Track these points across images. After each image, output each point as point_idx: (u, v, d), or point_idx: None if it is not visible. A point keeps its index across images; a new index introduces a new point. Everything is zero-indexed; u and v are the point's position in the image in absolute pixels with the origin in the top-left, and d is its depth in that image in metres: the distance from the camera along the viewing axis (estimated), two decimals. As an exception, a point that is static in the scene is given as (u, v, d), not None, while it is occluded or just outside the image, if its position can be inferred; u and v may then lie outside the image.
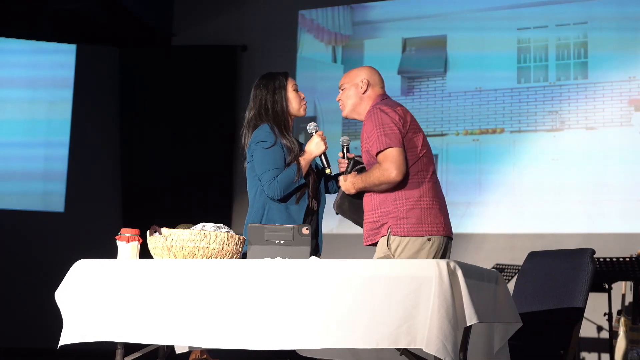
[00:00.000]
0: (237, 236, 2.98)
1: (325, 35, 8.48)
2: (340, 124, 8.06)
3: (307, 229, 2.91)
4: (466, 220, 7.48)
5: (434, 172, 3.45)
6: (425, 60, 8.01)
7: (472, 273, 2.60)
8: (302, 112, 3.79)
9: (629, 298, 6.01)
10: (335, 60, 8.35)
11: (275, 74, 3.88)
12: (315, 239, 3.67)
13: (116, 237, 3.02)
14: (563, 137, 7.37)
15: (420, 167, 3.36)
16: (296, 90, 3.78)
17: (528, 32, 7.65)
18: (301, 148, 3.70)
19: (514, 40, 7.68)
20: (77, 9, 8.43)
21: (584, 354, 6.81)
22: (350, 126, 7.91)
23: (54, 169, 8.67)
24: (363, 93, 3.59)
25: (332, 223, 7.37)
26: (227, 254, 2.94)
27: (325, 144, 3.68)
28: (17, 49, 8.76)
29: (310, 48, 8.51)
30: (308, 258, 2.85)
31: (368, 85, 3.58)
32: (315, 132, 3.67)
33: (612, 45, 7.29)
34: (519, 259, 4.66)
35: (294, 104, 3.78)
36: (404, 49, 8.12)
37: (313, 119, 8.33)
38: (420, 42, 8.08)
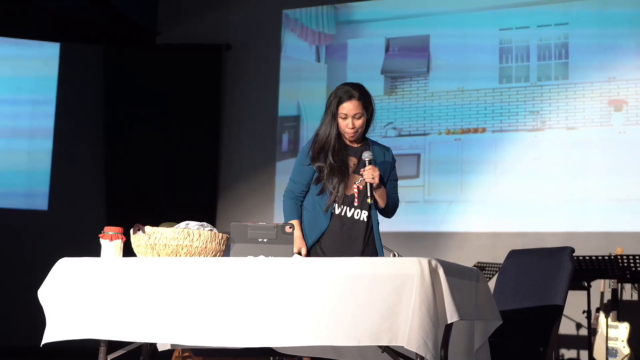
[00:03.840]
0: (221, 234, 2.98)
1: (309, 35, 8.48)
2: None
3: (290, 228, 2.92)
4: (448, 219, 7.51)
5: None
6: (408, 60, 8.03)
7: (453, 271, 2.61)
8: (346, 140, 3.61)
9: (608, 296, 6.05)
10: (319, 60, 8.36)
11: (333, 94, 3.56)
12: (367, 246, 3.57)
13: (100, 235, 3.01)
14: (544, 136, 7.41)
15: None
16: (344, 118, 3.52)
17: (510, 32, 7.69)
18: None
19: (496, 41, 7.71)
20: (61, 6, 8.38)
21: (563, 351, 6.85)
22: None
23: (37, 168, 8.62)
24: None
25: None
26: (211, 252, 2.94)
27: (374, 176, 3.46)
28: (1, 46, 8.70)
29: (294, 47, 8.51)
30: (291, 256, 2.85)
31: None
32: (369, 162, 3.48)
33: (593, 47, 7.34)
34: (500, 258, 4.68)
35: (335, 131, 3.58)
36: (387, 49, 8.13)
37: (296, 118, 8.33)
38: (404, 42, 8.10)
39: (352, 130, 3.52)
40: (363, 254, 3.53)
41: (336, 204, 3.55)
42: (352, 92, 3.51)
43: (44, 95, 8.73)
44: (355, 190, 3.54)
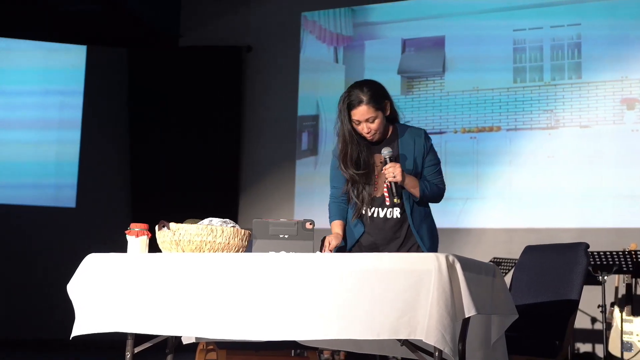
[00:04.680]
0: (243, 231, 2.98)
1: (327, 37, 8.47)
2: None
3: (310, 224, 2.91)
4: (464, 216, 7.48)
5: None
6: (424, 60, 8.00)
7: (470, 266, 2.59)
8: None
9: (622, 290, 6.00)
10: (337, 61, 8.34)
11: (342, 100, 3.33)
12: (405, 243, 3.38)
13: (126, 232, 3.02)
14: (558, 135, 7.36)
15: None
16: (358, 124, 3.31)
17: (523, 33, 7.63)
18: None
19: (510, 41, 7.67)
20: (87, 11, 8.43)
21: (578, 345, 6.80)
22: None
23: (65, 167, 8.68)
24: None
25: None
26: (233, 248, 2.94)
27: (395, 174, 3.26)
28: (29, 49, 8.76)
29: (313, 49, 8.50)
30: (312, 252, 2.84)
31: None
32: (389, 158, 3.27)
33: (605, 46, 7.27)
34: (515, 253, 4.66)
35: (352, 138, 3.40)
36: (403, 50, 8.10)
37: (315, 117, 8.32)
38: (419, 42, 8.07)
39: (369, 135, 3.32)
40: (400, 251, 3.34)
41: (365, 208, 3.38)
42: (360, 97, 3.25)
43: (72, 96, 8.78)
44: (385, 190, 3.34)
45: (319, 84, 8.37)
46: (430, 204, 3.48)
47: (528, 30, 7.63)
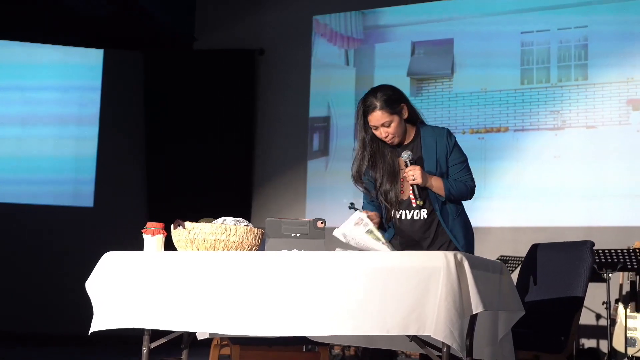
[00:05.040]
0: (256, 229, 2.99)
1: (338, 39, 8.48)
2: (353, 127, 8.04)
3: (321, 223, 2.92)
4: (472, 214, 7.39)
5: None
6: (433, 62, 8.00)
7: (477, 264, 2.60)
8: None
9: (626, 287, 5.98)
10: (347, 63, 8.35)
11: (358, 107, 3.32)
12: (434, 243, 3.32)
13: (142, 231, 3.03)
14: (564, 135, 7.34)
15: None
16: (375, 129, 3.28)
17: (531, 35, 7.62)
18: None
19: (517, 44, 7.65)
20: (104, 15, 8.47)
21: (583, 340, 6.78)
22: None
23: (83, 167, 8.72)
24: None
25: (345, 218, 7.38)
26: (247, 246, 2.95)
27: (415, 176, 3.22)
28: (48, 53, 8.81)
29: (324, 51, 8.51)
30: (323, 250, 2.85)
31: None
32: (409, 161, 3.24)
33: (611, 48, 7.25)
34: (522, 251, 4.65)
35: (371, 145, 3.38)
36: (412, 52, 8.10)
37: (326, 119, 8.33)
38: (428, 45, 8.06)
39: (387, 139, 3.28)
40: (430, 249, 3.27)
41: (394, 211, 3.34)
42: (373, 103, 3.23)
43: (89, 98, 8.82)
44: (410, 193, 3.28)
45: (330, 85, 8.37)
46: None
47: (535, 32, 7.61)
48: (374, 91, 3.29)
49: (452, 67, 7.88)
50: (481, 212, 7.46)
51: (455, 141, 3.38)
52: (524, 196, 7.35)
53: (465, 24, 7.91)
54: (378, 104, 3.24)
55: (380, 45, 8.25)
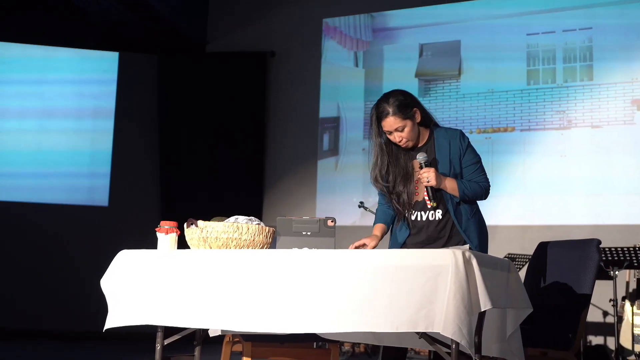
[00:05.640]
0: (267, 228, 2.98)
1: (348, 42, 8.46)
2: (362, 126, 8.04)
3: (331, 221, 2.91)
4: (479, 213, 7.43)
5: None
6: (440, 64, 7.97)
7: (486, 262, 2.58)
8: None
9: (633, 285, 5.94)
10: (357, 65, 8.33)
11: (371, 112, 3.32)
12: (449, 243, 3.31)
13: (156, 229, 3.03)
14: (570, 135, 7.30)
15: None
16: (389, 134, 3.29)
17: (537, 37, 7.58)
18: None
19: (523, 45, 7.62)
20: (119, 19, 8.48)
21: (590, 337, 6.74)
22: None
23: (98, 167, 8.74)
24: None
25: (355, 216, 7.37)
26: (258, 244, 2.94)
27: (429, 178, 3.21)
28: (64, 56, 8.84)
29: (334, 53, 8.49)
30: (333, 248, 2.84)
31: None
32: (424, 163, 3.24)
33: (616, 49, 7.21)
34: (529, 249, 4.62)
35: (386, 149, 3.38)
36: (420, 54, 8.08)
37: (336, 119, 8.31)
38: (436, 47, 8.03)
39: (401, 143, 3.28)
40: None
41: (408, 212, 3.33)
42: (386, 109, 3.23)
43: (104, 100, 8.84)
44: (425, 194, 3.28)
45: (340, 87, 8.36)
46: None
47: (541, 34, 7.58)
48: (386, 97, 3.29)
49: (459, 68, 7.86)
50: (489, 210, 7.38)
51: (469, 142, 3.37)
52: (531, 195, 7.32)
53: (472, 26, 7.88)
54: (391, 110, 3.23)
55: (389, 47, 8.23)
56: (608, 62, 7.22)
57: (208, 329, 3.19)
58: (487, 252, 3.25)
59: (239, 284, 2.69)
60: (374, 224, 3.45)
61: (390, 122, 3.24)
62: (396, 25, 8.25)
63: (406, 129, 3.26)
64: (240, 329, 2.71)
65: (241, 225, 2.91)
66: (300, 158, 8.50)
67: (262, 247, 2.96)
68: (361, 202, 5.25)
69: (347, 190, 7.94)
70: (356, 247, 3.19)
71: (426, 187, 3.24)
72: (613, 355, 5.37)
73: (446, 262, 2.46)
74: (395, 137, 3.28)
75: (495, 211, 7.40)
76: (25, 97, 8.73)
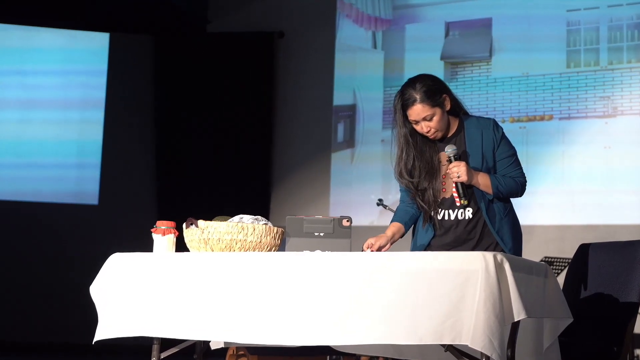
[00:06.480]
0: (276, 228, 2.99)
1: (365, 20, 8.45)
2: (381, 115, 8.03)
3: (347, 221, 2.91)
4: (513, 212, 7.42)
5: None
6: (469, 45, 7.96)
7: (520, 266, 2.57)
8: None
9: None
10: (375, 46, 8.33)
11: (396, 99, 3.30)
12: (480, 244, 3.29)
13: (152, 230, 3.04)
14: (615, 123, 7.27)
15: None
16: (415, 123, 3.27)
17: (578, 13, 7.55)
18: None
19: (563, 23, 7.59)
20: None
21: (638, 352, 6.73)
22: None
23: (87, 162, 8.77)
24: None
25: (373, 216, 7.38)
26: (265, 246, 2.95)
27: (459, 173, 3.19)
28: (50, 37, 8.87)
29: (350, 33, 8.49)
30: (349, 250, 2.84)
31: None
32: (454, 156, 3.21)
33: (668, 27, 7.18)
34: (569, 252, 4.61)
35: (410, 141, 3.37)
36: (447, 34, 8.07)
37: (352, 107, 8.31)
38: (464, 25, 8.02)
39: (429, 134, 3.27)
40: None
41: (434, 211, 3.32)
42: (413, 96, 3.20)
43: (94, 87, 8.87)
44: (454, 191, 3.26)
45: (356, 71, 8.36)
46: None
47: (583, 10, 7.55)
48: (412, 82, 3.27)
49: (490, 50, 7.84)
50: (523, 209, 7.36)
51: (503, 133, 3.36)
52: (571, 191, 7.30)
53: (504, 2, 7.85)
54: (418, 97, 3.21)
55: (411, 27, 8.22)
56: (658, 42, 7.21)
57: (209, 341, 3.21)
58: (521, 255, 3.24)
59: (243, 291, 2.70)
60: (391, 222, 3.44)
61: (418, 110, 3.22)
62: (419, 2, 8.23)
63: (435, 118, 3.24)
64: (245, 340, 2.72)
65: (246, 225, 2.92)
66: (312, 150, 8.51)
67: (270, 250, 2.97)
68: (380, 200, 5.24)
69: (364, 186, 7.94)
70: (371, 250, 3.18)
71: (455, 183, 3.23)
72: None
73: (475, 266, 2.46)
74: (423, 127, 3.26)
75: (530, 209, 7.38)
76: (5, 78, 8.75)
